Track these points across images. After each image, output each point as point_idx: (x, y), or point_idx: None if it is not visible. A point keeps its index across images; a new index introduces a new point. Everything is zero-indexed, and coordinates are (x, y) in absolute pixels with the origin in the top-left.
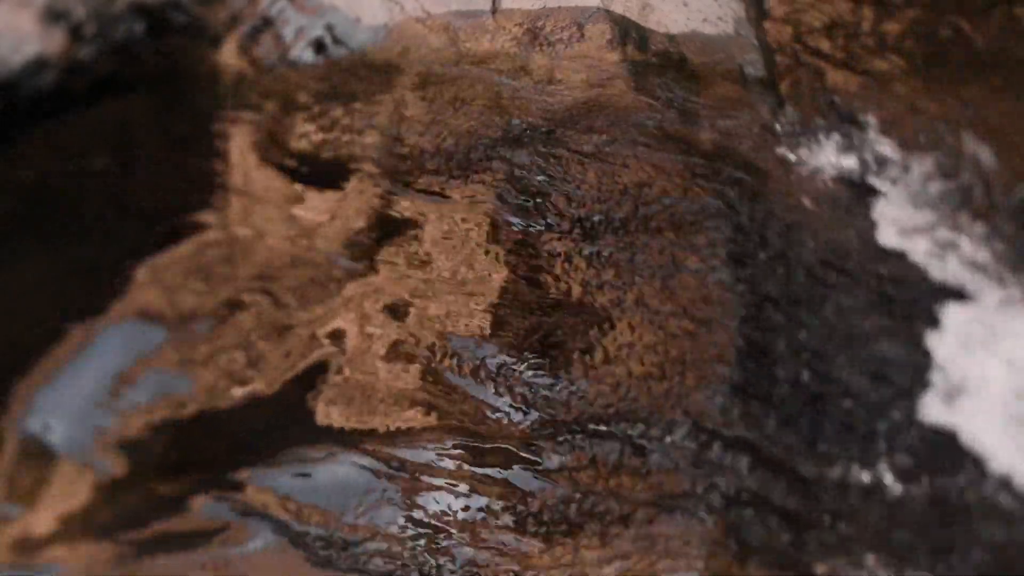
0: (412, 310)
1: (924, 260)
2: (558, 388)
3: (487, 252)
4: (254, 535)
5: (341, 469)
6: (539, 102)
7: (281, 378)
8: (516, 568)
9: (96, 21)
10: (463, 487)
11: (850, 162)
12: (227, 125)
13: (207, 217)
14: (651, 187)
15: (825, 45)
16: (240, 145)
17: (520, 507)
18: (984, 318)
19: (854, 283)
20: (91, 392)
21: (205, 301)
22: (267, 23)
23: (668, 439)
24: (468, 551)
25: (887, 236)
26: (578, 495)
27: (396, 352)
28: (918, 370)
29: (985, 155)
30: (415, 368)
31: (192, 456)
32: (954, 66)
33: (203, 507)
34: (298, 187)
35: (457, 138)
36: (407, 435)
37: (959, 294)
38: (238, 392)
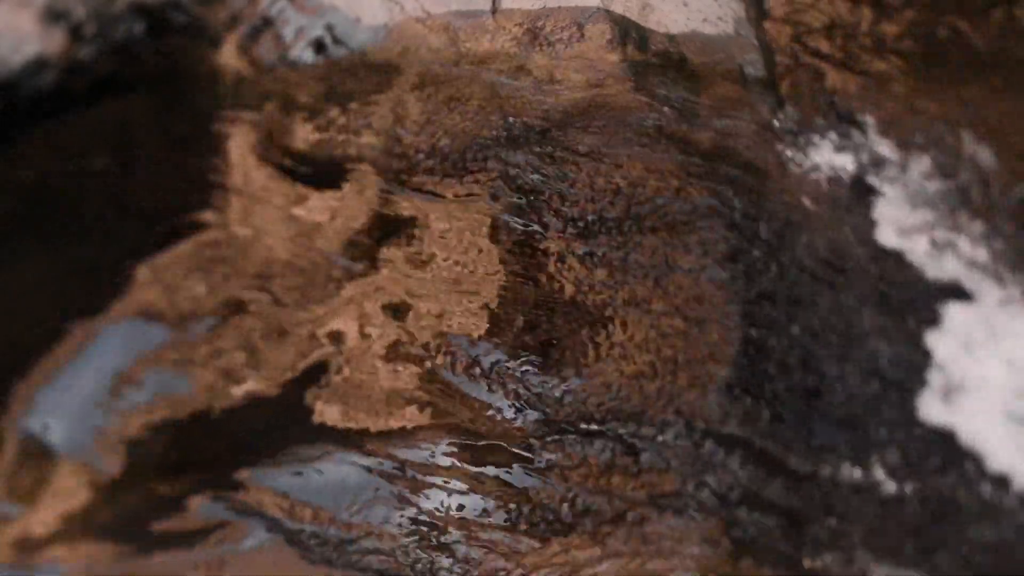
0: (410, 310)
1: (923, 259)
2: (551, 386)
3: (483, 251)
4: (252, 534)
5: (339, 468)
6: (538, 102)
7: (281, 378)
8: (509, 566)
9: (96, 21)
10: (458, 485)
11: (849, 162)
12: (227, 125)
13: (207, 217)
14: (645, 186)
15: (824, 45)
16: (240, 145)
17: (513, 505)
18: (983, 317)
19: (852, 282)
20: (91, 392)
21: (205, 301)
22: (267, 23)
23: (660, 438)
24: (462, 548)
25: (886, 235)
26: (571, 494)
27: (395, 352)
28: (916, 369)
29: (984, 155)
30: (413, 367)
31: (192, 456)
32: (953, 66)
33: (201, 507)
34: (298, 187)
35: (454, 138)
36: (405, 434)
37: (958, 293)
38: (238, 392)
